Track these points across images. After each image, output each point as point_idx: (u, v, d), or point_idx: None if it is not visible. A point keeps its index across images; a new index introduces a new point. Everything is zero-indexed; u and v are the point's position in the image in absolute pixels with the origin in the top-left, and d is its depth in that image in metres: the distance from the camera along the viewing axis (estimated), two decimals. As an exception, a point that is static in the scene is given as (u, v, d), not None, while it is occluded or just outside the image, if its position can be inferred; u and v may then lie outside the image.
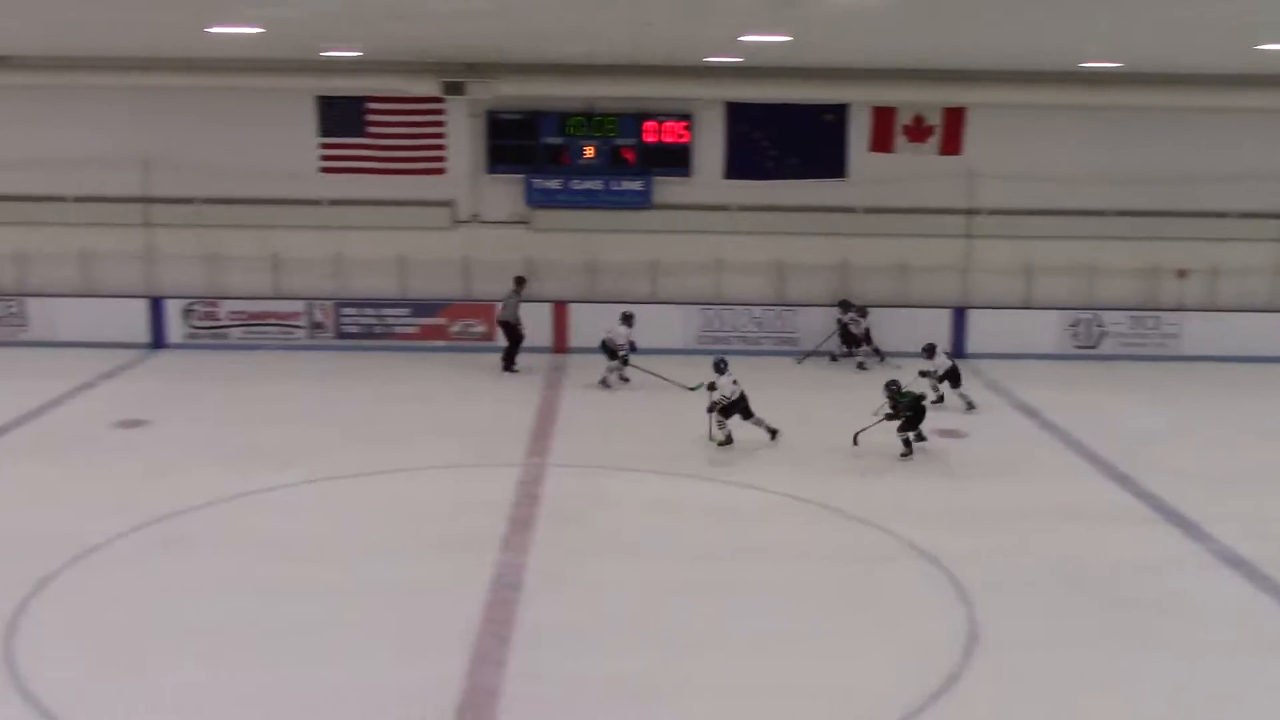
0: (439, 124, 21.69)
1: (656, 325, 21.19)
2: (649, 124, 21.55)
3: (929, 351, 18.09)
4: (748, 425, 15.86)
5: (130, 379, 19.54)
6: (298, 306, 21.67)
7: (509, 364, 20.20)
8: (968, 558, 11.91)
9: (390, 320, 21.64)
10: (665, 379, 18.42)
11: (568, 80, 20.68)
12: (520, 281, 20.63)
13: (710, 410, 15.80)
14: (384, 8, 11.97)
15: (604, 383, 19.13)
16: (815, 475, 14.67)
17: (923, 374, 17.60)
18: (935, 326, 21.40)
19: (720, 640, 10.17)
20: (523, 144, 21.67)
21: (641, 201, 21.78)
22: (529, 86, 20.87)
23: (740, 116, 21.71)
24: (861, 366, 20.56)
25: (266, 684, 9.25)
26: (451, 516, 13.06)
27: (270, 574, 11.36)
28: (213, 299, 21.69)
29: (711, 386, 15.76)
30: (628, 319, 19.32)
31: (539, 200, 21.84)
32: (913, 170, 21.84)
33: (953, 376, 17.81)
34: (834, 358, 21.09)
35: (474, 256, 22.09)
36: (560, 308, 21.68)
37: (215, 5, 11.92)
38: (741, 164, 21.90)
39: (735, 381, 15.78)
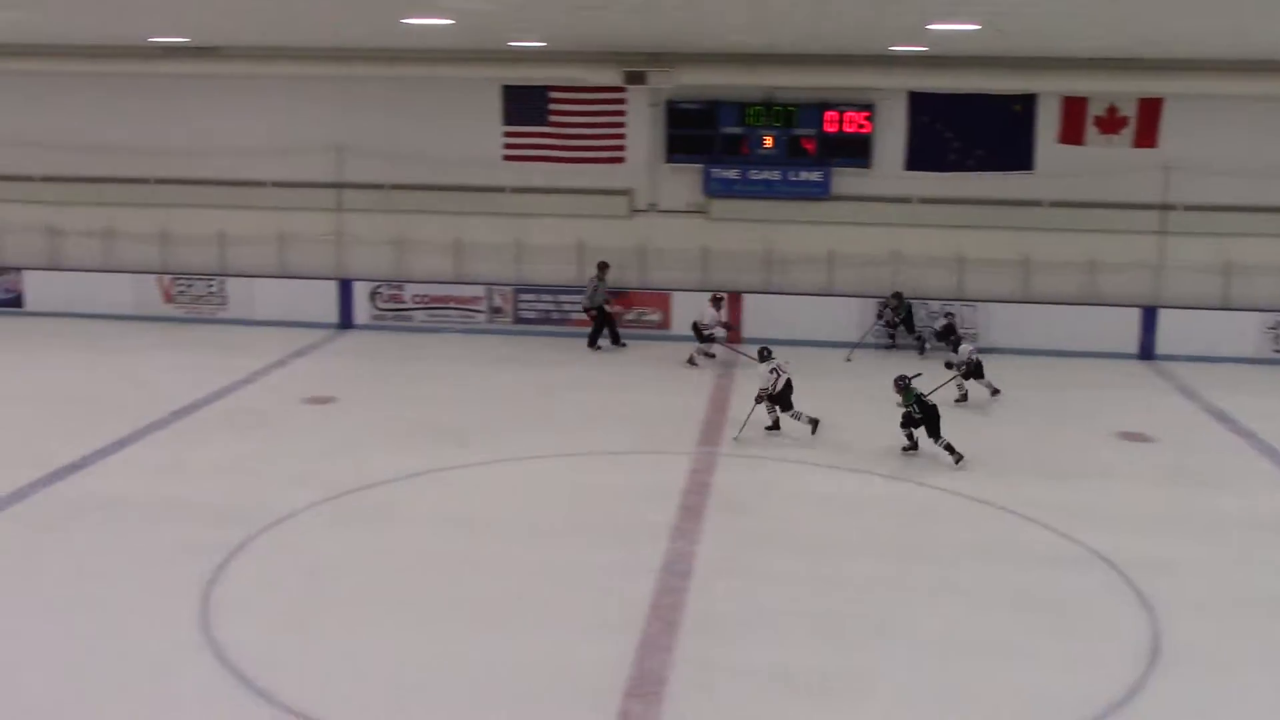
0: (619, 113, 21.91)
1: (831, 317, 21.02)
2: (829, 114, 21.32)
3: (955, 344, 18.02)
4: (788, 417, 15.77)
5: (319, 358, 20.34)
6: (478, 291, 22.21)
7: (592, 343, 20.96)
8: (1154, 567, 11.47)
9: (567, 307, 21.96)
10: (745, 355, 18.92)
11: (748, 69, 20.64)
12: (603, 267, 20.97)
13: (758, 401, 15.69)
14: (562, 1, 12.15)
15: (691, 361, 19.75)
16: (993, 475, 14.32)
17: (949, 366, 17.46)
18: (1123, 325, 20.73)
19: (892, 639, 10.04)
20: (701, 133, 21.71)
21: (820, 192, 21.59)
22: (709, 76, 20.90)
23: (923, 106, 21.31)
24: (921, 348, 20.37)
25: (442, 655, 9.53)
26: (624, 502, 13.22)
27: (449, 549, 11.70)
28: (398, 282, 22.40)
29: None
30: (718, 302, 19.96)
31: (717, 190, 21.85)
32: (1104, 163, 21.07)
33: (976, 371, 17.61)
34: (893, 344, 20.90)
35: (651, 244, 22.27)
36: (735, 298, 21.66)
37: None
38: (923, 155, 21.49)
39: (773, 371, 15.66)
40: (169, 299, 22.76)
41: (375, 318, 22.38)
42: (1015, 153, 21.29)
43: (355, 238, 22.82)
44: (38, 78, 22.70)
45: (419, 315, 22.26)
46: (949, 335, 18.88)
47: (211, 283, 22.67)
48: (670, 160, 21.92)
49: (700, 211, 22.15)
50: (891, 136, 21.47)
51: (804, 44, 18.10)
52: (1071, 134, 21.12)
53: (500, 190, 22.36)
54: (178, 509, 12.65)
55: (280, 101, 22.65)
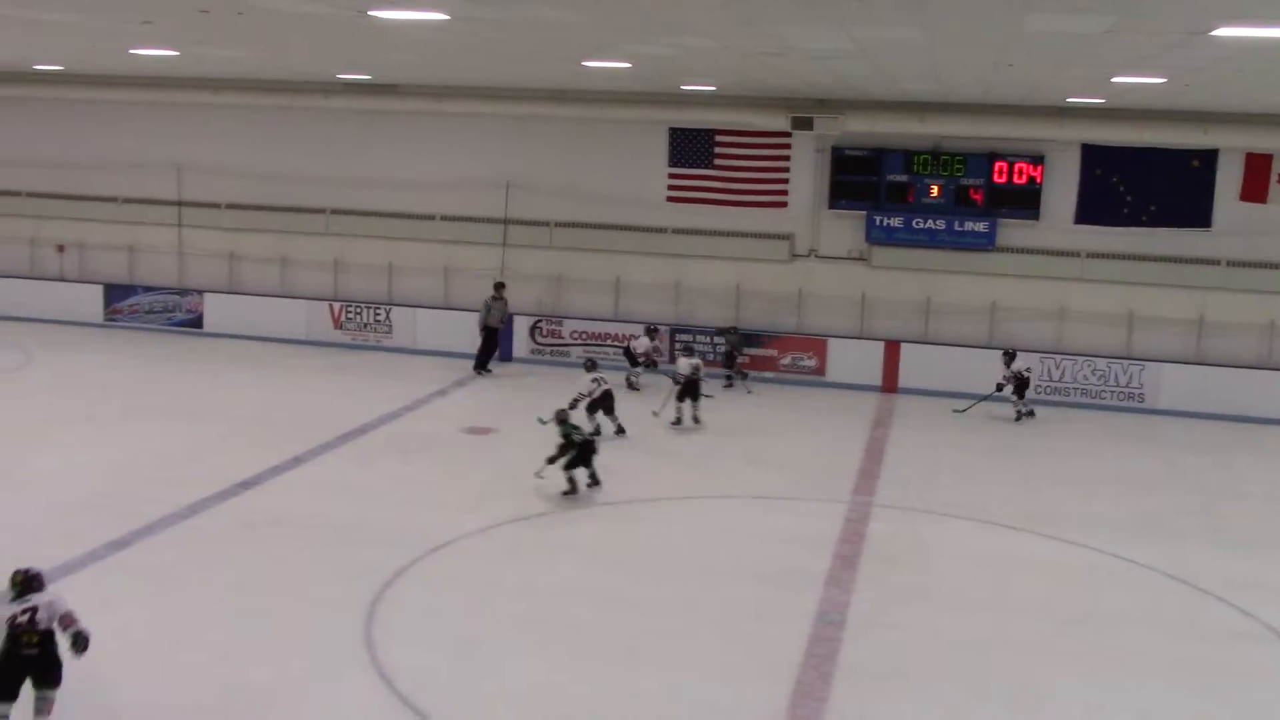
0: (784, 158, 21.98)
1: (992, 371, 20.62)
2: (998, 164, 21.02)
3: (1009, 357, 19.36)
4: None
5: (479, 388, 20.79)
6: (636, 330, 22.41)
7: (481, 366, 21.65)
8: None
9: (724, 348, 22.02)
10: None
11: (916, 118, 20.52)
12: (499, 287, 22.13)
13: (572, 406, 16.28)
14: (753, 47, 12.28)
15: (631, 385, 20.65)
16: (1159, 540, 13.84)
17: (1006, 380, 19.21)
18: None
19: (1046, 705, 9.76)
20: (866, 180, 21.62)
21: (985, 243, 21.26)
22: (876, 123, 20.83)
23: (1096, 159, 20.85)
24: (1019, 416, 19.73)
25: (595, 691, 9.61)
26: (778, 547, 13.17)
27: (604, 585, 11.82)
28: (558, 318, 22.79)
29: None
30: (652, 333, 21.19)
31: (879, 237, 21.72)
32: (1288, 223, 20.32)
33: (1021, 387, 19.26)
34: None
35: (809, 290, 22.22)
36: (892, 347, 21.44)
37: (594, 42, 12.56)
38: (1094, 209, 21.00)
39: (595, 381, 17.27)
40: (338, 325, 23.58)
41: (534, 351, 22.79)
42: (1192, 209, 20.64)
43: (518, 273, 23.31)
44: (226, 110, 23.86)
45: (576, 351, 22.60)
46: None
47: (379, 311, 23.41)
48: (833, 206, 21.87)
49: (861, 259, 22.03)
50: (1062, 189, 21.04)
51: (977, 95, 17.93)
52: (1254, 191, 20.39)
53: (662, 231, 22.61)
54: (344, 529, 13.06)
55: (452, 138, 23.36)
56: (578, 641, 10.51)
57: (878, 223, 21.65)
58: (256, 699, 9.27)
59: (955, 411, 19.89)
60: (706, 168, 22.30)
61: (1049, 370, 20.85)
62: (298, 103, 23.03)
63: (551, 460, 14.45)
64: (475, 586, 11.66)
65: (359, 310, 23.56)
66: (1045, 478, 16.48)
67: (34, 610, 8.33)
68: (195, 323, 24.30)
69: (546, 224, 23.09)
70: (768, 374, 21.74)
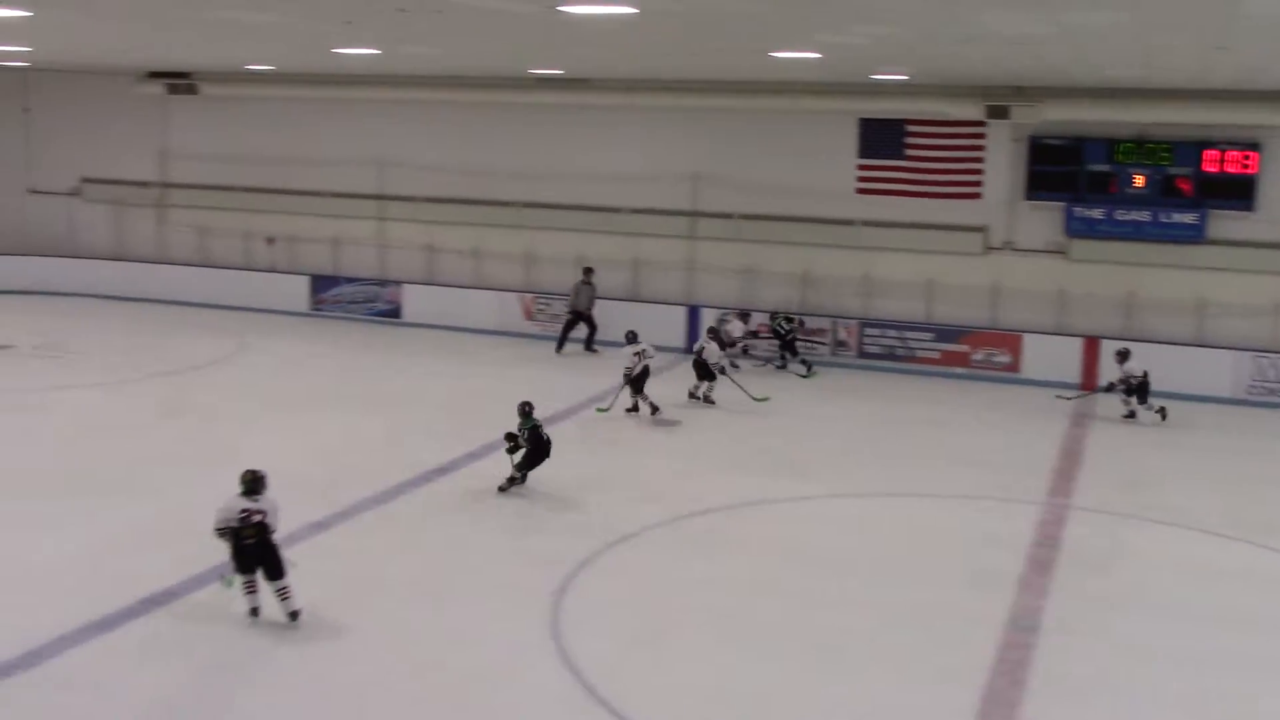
0: (978, 147, 21.37)
1: (1199, 370, 19.68)
2: (1209, 152, 19.95)
3: (1122, 357, 18.20)
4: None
5: (666, 380, 20.79)
6: (823, 323, 22.19)
7: (589, 346, 22.39)
8: None
9: (913, 343, 21.60)
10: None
11: (1119, 104, 19.65)
12: (589, 271, 22.55)
13: (626, 381, 17.16)
14: (948, 34, 11.96)
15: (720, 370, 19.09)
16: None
17: (1118, 382, 18.19)
18: None
19: (1263, 724, 9.25)
20: (1065, 170, 20.83)
21: (1193, 235, 20.23)
22: (1077, 111, 20.06)
23: (1319, 146, 19.62)
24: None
25: (779, 689, 9.53)
26: (968, 548, 12.84)
27: (787, 581, 11.71)
28: (744, 310, 22.69)
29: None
30: (745, 317, 21.61)
31: (1078, 230, 20.89)
32: None
33: (1142, 390, 17.99)
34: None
35: (1003, 284, 21.56)
36: (1091, 343, 20.61)
37: (783, 33, 12.44)
38: (1316, 199, 19.78)
39: (637, 355, 17.41)
40: (529, 316, 24.03)
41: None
42: None
43: (705, 265, 23.32)
44: (425, 106, 24.58)
45: (763, 345, 22.47)
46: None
47: (568, 302, 23.73)
48: (1030, 197, 21.15)
49: (1059, 252, 21.25)
50: (1279, 178, 19.85)
51: (1186, 79, 17.06)
52: None
53: (850, 223, 22.27)
54: (532, 518, 13.32)
55: (641, 131, 23.51)
56: (765, 638, 10.42)
57: (1077, 214, 20.83)
58: (450, 682, 9.51)
59: (1060, 399, 19.30)
60: (897, 158, 21.84)
61: (1263, 370, 19.72)
62: (492, 98, 23.54)
63: (519, 467, 13.85)
64: (661, 578, 11.72)
65: (549, 302, 23.95)
66: (1260, 482, 15.60)
67: (258, 511, 10.08)
68: (394, 313, 25.12)
69: (734, 216, 23.03)
70: (960, 370, 21.18)
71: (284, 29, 13.98)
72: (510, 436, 13.83)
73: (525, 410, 13.97)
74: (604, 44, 14.66)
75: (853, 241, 22.28)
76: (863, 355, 21.92)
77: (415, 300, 24.94)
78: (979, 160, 21.44)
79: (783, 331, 21.63)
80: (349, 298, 25.48)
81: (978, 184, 21.51)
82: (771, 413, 18.57)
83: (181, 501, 12.98)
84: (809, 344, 21.92)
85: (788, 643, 10.34)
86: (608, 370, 20.79)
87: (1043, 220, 21.24)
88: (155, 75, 25.68)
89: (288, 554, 10.43)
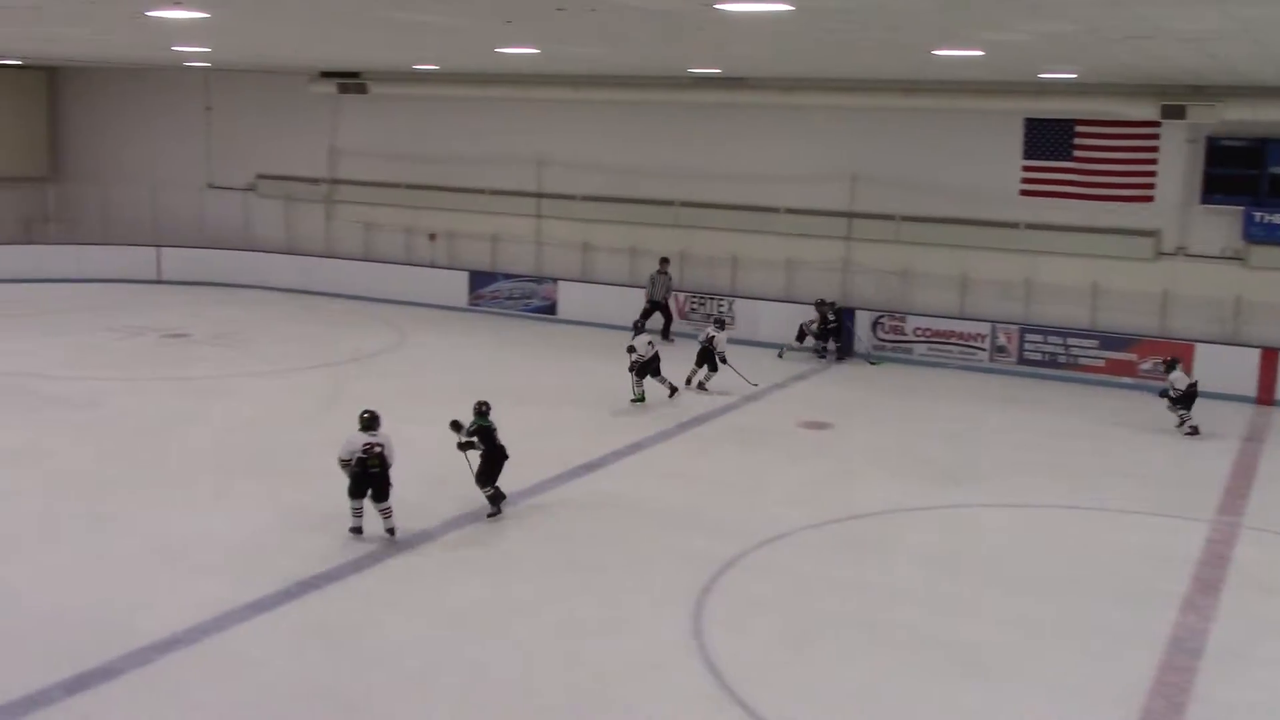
0: (1151, 149, 20.56)
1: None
2: (1403, 155, 18.84)
3: (1168, 366, 17.59)
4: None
5: (818, 383, 20.68)
6: (982, 328, 21.63)
7: (664, 335, 22.65)
8: None
9: (1075, 350, 20.90)
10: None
11: (1306, 104, 18.69)
12: (664, 261, 23.33)
13: (630, 370, 17.88)
14: (1119, 30, 11.52)
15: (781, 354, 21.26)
16: None
17: (1164, 395, 17.49)
18: None
19: None
20: (1245, 173, 19.90)
21: (1384, 242, 19.12)
22: (1259, 110, 19.12)
23: None
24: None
25: (923, 698, 9.33)
26: (1129, 563, 12.37)
27: (937, 589, 11.47)
28: (900, 314, 22.30)
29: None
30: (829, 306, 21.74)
31: (1259, 235, 19.91)
32: None
33: (1188, 399, 17.29)
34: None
35: (1175, 291, 20.70)
36: (1270, 355, 19.63)
37: (944, 29, 12.16)
38: None
39: (650, 343, 18.26)
40: (683, 315, 24.03)
41: (875, 348, 22.40)
42: None
43: (860, 266, 23.00)
44: (583, 105, 24.83)
45: (919, 348, 22.04)
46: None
47: (722, 303, 23.69)
48: (1206, 201, 20.25)
49: (1236, 258, 20.29)
50: None
51: (1381, 76, 16.11)
52: None
53: (1013, 226, 21.67)
54: (678, 516, 13.30)
55: (798, 130, 23.31)
56: (913, 648, 10.21)
57: (1257, 219, 19.86)
58: (594, 677, 9.57)
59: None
60: (1065, 159, 21.16)
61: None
62: (650, 97, 23.64)
63: (479, 479, 12.98)
64: (806, 582, 11.58)
65: (703, 301, 23.93)
66: None
67: (378, 444, 12.01)
68: (549, 309, 25.44)
69: (892, 218, 22.64)
70: (1126, 379, 20.40)
71: (449, 29, 14.27)
72: (456, 425, 12.93)
73: (481, 410, 13.14)
74: (761, 42, 14.55)
75: (1015, 244, 21.67)
76: (1023, 361, 21.29)
77: (571, 297, 25.21)
78: (1152, 162, 20.62)
79: (830, 320, 21.70)
80: (506, 294, 25.91)
81: (1150, 186, 20.69)
82: (927, 416, 18.21)
83: (340, 487, 13.37)
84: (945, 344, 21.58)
85: (934, 652, 10.11)
86: (760, 372, 20.74)
87: (1219, 225, 20.32)
88: (327, 75, 26.54)
89: (438, 540, 10.63)
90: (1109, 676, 9.74)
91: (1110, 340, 20.70)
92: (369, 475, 11.93)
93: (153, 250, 28.16)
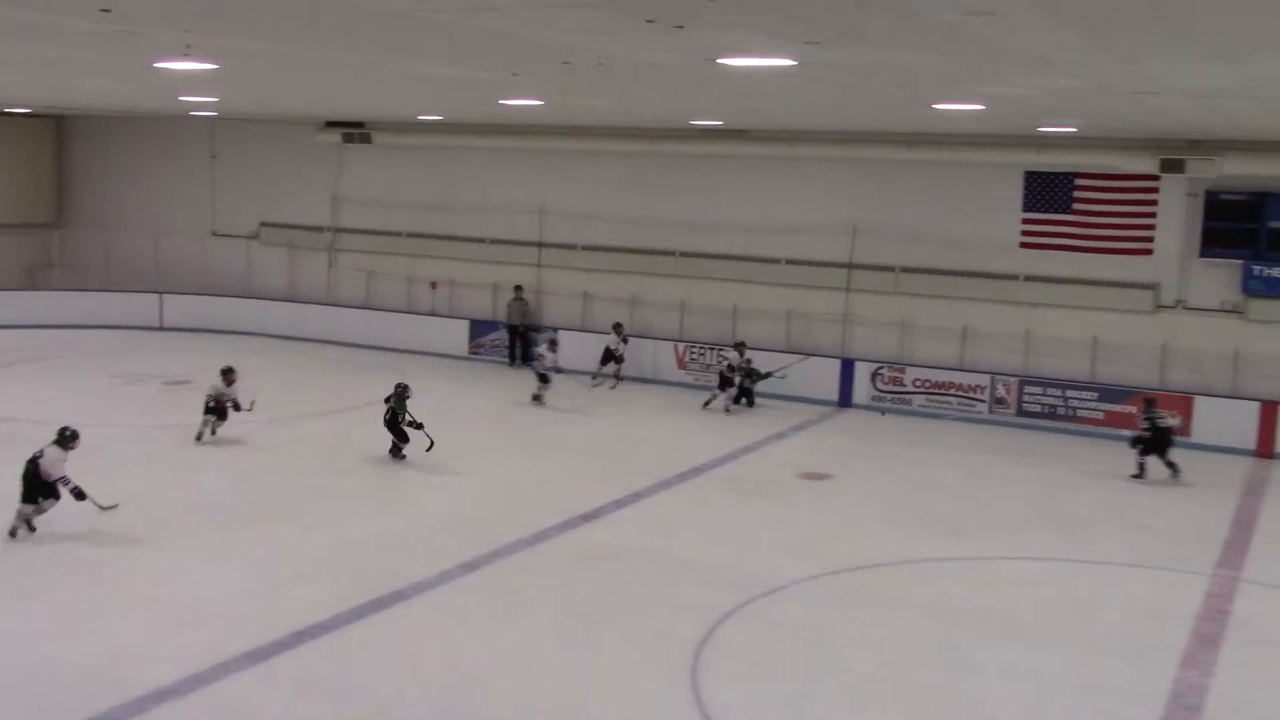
0: (1151, 202, 20.70)
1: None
2: (1401, 210, 18.95)
3: (1148, 405, 17.97)
4: None
5: (817, 434, 20.66)
6: (982, 380, 21.66)
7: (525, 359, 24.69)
8: None
9: (1075, 402, 20.91)
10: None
11: (1305, 159, 18.82)
12: (519, 289, 25.20)
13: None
14: (1121, 86, 11.64)
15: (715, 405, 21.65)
16: None
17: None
18: None
19: None
20: (1244, 227, 20.01)
21: (1383, 297, 19.18)
22: (1258, 164, 19.29)
23: None
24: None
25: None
26: (1129, 618, 12.30)
27: (938, 642, 11.39)
28: (899, 365, 22.33)
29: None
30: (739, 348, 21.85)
31: (1258, 289, 19.99)
32: None
33: (1159, 444, 17.56)
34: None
35: (1173, 344, 20.77)
36: (1269, 408, 19.65)
37: (947, 85, 12.28)
38: None
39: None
40: (681, 365, 24.08)
41: (874, 399, 22.41)
42: None
43: (860, 318, 23.06)
44: (586, 156, 25.01)
45: (918, 399, 22.06)
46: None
47: (722, 353, 23.69)
48: (1205, 254, 20.35)
49: (1235, 311, 20.37)
50: None
51: (1377, 133, 16.25)
52: None
53: (1013, 278, 21.77)
54: (677, 566, 13.24)
55: (799, 182, 23.45)
56: (917, 703, 10.14)
57: (1256, 273, 19.96)
58: (586, 728, 9.50)
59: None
60: (1065, 212, 21.30)
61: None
62: (653, 148, 23.82)
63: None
64: (807, 635, 11.52)
65: (703, 351, 23.98)
66: None
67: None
68: (550, 358, 25.47)
69: (892, 269, 22.74)
70: (1126, 431, 20.35)
71: (454, 81, 14.41)
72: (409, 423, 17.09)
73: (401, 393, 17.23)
74: (764, 95, 14.69)
75: (1014, 297, 21.77)
76: (1021, 413, 21.29)
77: (571, 346, 25.20)
78: (1151, 215, 20.75)
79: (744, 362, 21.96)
80: (507, 343, 25.93)
81: (1149, 239, 20.81)
82: (927, 467, 18.19)
83: (339, 536, 13.35)
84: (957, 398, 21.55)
85: (939, 707, 10.04)
86: (760, 423, 20.77)
87: (1218, 278, 20.41)
88: (332, 124, 26.77)
89: (436, 591, 10.54)
90: (1111, 732, 9.69)
91: (1109, 392, 20.72)
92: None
93: (155, 297, 28.26)
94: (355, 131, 26.48)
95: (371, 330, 27.01)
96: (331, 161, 28.12)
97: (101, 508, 13.32)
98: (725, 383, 21.56)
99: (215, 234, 29.81)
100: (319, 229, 28.48)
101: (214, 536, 13.60)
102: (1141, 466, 17.67)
